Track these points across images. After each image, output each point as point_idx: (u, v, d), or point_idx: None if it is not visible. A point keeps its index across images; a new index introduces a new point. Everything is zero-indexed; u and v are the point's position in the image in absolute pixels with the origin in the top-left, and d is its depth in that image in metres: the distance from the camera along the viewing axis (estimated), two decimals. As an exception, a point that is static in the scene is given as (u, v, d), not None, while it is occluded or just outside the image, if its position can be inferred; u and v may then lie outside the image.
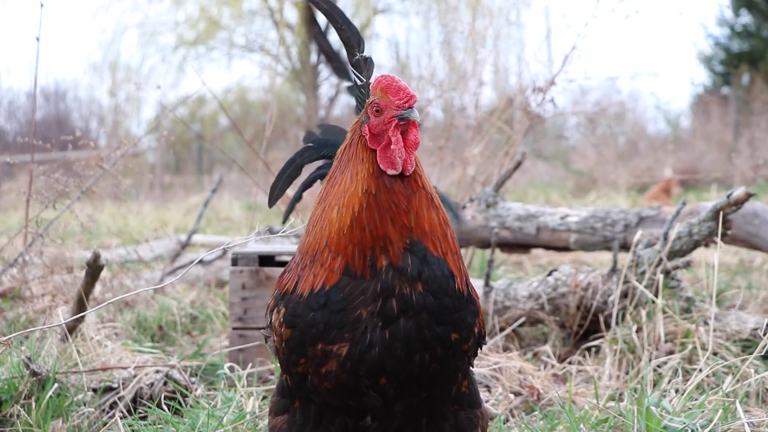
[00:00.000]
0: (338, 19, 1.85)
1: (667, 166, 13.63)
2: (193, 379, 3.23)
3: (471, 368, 1.85)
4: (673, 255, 3.54)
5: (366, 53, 1.86)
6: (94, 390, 2.99)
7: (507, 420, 2.94)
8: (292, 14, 24.64)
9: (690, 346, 3.21)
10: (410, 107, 1.68)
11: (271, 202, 2.12)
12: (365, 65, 1.86)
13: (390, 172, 1.68)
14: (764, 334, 3.09)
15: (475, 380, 1.92)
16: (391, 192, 1.67)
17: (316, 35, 2.04)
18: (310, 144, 2.15)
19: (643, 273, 3.52)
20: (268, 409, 1.94)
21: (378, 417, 1.72)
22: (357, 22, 25.27)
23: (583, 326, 3.79)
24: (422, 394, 1.70)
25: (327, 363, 1.65)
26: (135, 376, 3.06)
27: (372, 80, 1.77)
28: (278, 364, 1.87)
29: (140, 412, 2.92)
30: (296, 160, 2.13)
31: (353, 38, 1.85)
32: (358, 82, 1.87)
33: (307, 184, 2.20)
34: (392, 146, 1.68)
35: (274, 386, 2.76)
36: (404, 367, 1.64)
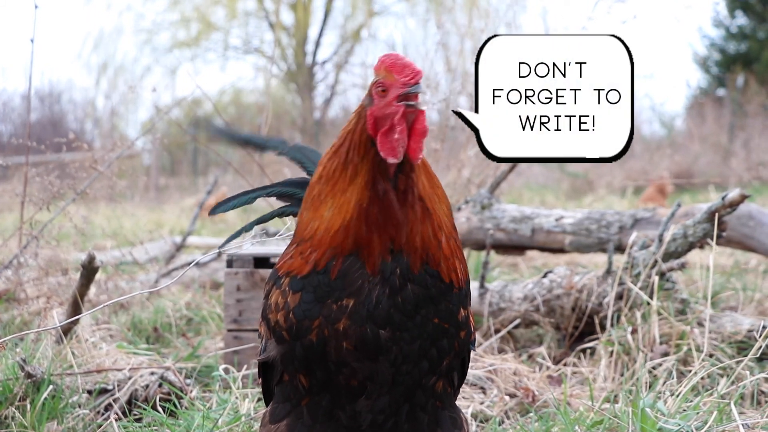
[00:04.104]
0: (256, 144, 2.36)
1: (664, 169, 13.61)
2: (188, 381, 3.23)
3: (454, 392, 1.85)
4: (668, 257, 3.54)
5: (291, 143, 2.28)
6: (89, 392, 2.99)
7: (502, 422, 2.94)
8: (288, 16, 24.67)
9: (685, 348, 3.22)
10: (416, 83, 1.61)
11: (213, 212, 2.13)
12: (286, 149, 2.25)
13: (390, 160, 1.64)
14: (759, 336, 3.10)
15: (455, 404, 1.91)
16: (382, 205, 1.65)
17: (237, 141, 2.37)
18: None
19: (638, 275, 3.52)
20: (263, 421, 1.87)
21: (374, 392, 1.70)
22: (354, 24, 25.33)
23: (578, 328, 3.79)
24: (410, 366, 1.68)
25: (341, 319, 1.63)
26: (130, 378, 3.05)
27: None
28: (276, 373, 1.83)
29: (135, 414, 2.91)
30: (254, 192, 2.16)
31: (269, 145, 2.30)
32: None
33: (263, 220, 2.20)
34: (396, 135, 1.63)
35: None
36: (410, 318, 1.65)
